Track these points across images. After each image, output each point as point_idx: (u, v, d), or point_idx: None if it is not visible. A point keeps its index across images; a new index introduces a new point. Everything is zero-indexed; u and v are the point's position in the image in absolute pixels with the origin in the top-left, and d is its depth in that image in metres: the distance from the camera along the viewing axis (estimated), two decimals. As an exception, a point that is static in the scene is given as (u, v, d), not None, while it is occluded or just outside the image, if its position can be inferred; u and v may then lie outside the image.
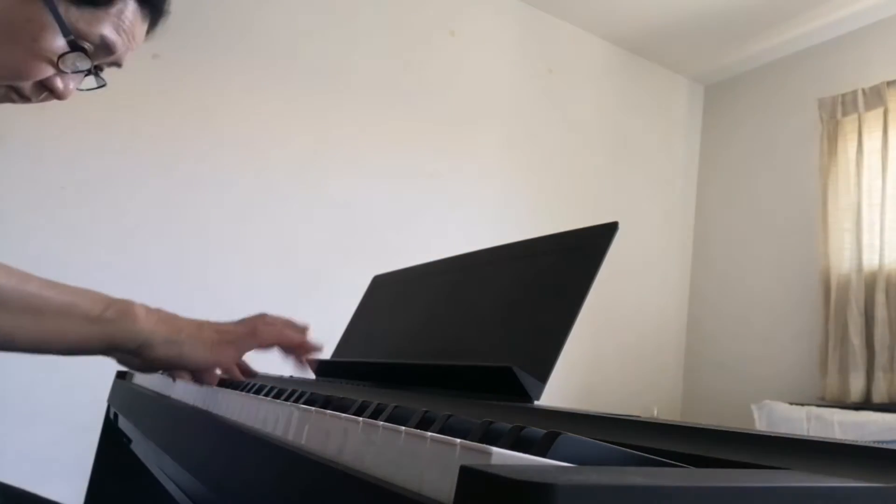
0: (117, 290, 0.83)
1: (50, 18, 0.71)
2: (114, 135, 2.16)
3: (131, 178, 2.19)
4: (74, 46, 0.73)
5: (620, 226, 0.69)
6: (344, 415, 0.41)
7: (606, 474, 0.24)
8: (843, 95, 2.97)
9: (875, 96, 2.87)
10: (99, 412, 1.35)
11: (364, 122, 2.65)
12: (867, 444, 0.33)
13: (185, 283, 2.21)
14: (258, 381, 0.80)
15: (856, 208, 2.85)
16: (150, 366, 0.70)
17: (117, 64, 0.81)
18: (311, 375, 0.74)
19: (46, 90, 0.77)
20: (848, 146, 2.92)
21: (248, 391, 0.73)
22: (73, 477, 1.43)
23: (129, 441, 1.07)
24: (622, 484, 0.22)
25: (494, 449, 0.27)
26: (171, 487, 0.75)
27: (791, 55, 3.33)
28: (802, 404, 2.66)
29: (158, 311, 0.69)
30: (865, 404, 2.65)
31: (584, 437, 0.31)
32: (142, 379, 1.10)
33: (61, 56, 0.73)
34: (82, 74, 0.78)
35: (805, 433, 2.42)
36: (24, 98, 0.77)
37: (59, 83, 0.76)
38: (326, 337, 1.21)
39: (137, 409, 0.99)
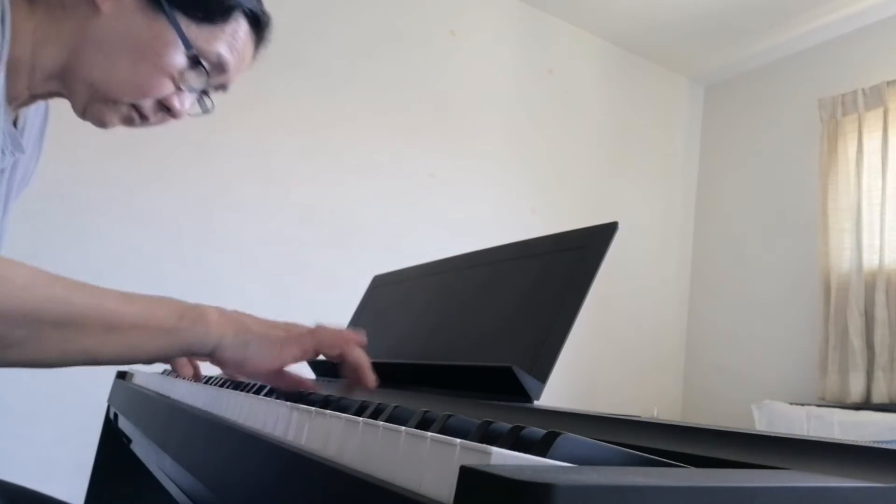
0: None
1: (174, 35, 0.75)
2: (113, 135, 2.16)
3: (131, 179, 2.19)
4: (195, 61, 0.77)
5: (620, 226, 0.69)
6: (344, 415, 0.41)
7: (606, 474, 0.23)
8: (843, 95, 2.97)
9: (875, 96, 2.87)
10: (99, 412, 1.35)
11: (364, 122, 2.65)
12: (867, 444, 0.33)
13: (186, 283, 2.21)
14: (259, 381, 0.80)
15: (856, 208, 2.85)
16: (224, 367, 0.69)
17: (224, 87, 0.84)
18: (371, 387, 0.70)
19: (164, 109, 0.80)
20: (848, 146, 2.92)
21: (248, 391, 0.73)
22: (73, 477, 1.43)
23: (129, 441, 1.07)
24: (622, 484, 0.22)
25: (494, 449, 0.27)
26: (171, 487, 0.75)
27: (791, 55, 3.33)
28: (802, 404, 2.66)
29: (230, 313, 0.68)
30: (865, 404, 2.65)
31: (584, 437, 0.30)
32: (142, 379, 1.10)
33: (182, 72, 0.77)
34: (196, 94, 0.81)
35: (805, 433, 2.42)
36: (143, 118, 0.80)
37: (176, 101, 0.80)
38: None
39: (137, 409, 0.99)
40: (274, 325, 0.68)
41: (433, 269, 0.99)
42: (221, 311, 0.67)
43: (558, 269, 0.72)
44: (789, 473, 0.29)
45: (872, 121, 2.88)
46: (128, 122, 0.80)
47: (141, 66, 0.75)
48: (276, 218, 2.43)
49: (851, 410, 2.55)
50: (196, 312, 0.66)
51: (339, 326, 0.73)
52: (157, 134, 2.22)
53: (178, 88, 0.78)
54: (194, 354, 0.67)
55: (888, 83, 2.83)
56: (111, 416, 1.27)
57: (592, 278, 0.67)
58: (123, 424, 1.10)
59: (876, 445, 0.32)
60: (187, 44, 0.76)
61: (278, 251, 2.41)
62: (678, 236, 3.58)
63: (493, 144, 2.98)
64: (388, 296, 1.09)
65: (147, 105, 0.79)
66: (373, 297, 1.14)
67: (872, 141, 2.87)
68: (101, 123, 0.80)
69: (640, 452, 0.32)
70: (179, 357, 0.68)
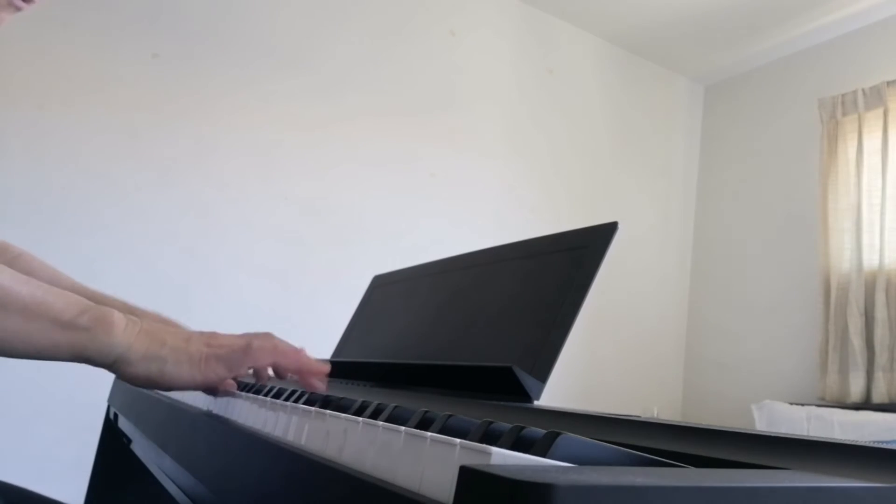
0: (117, 292, 0.83)
1: None
2: (113, 133, 2.16)
3: (131, 178, 2.19)
4: None
5: (620, 226, 0.69)
6: (344, 415, 0.41)
7: (606, 474, 0.23)
8: (843, 95, 2.97)
9: (875, 96, 2.87)
10: (99, 412, 1.35)
11: (364, 122, 2.65)
12: (867, 444, 0.33)
13: (186, 283, 2.21)
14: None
15: (856, 208, 2.85)
16: (130, 382, 0.62)
17: None
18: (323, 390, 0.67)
19: None
20: (848, 146, 2.92)
21: (248, 392, 0.73)
22: (73, 477, 1.43)
23: (129, 441, 1.07)
24: (622, 484, 0.22)
25: (494, 449, 0.27)
26: (171, 487, 0.75)
27: (791, 55, 3.33)
28: (802, 404, 2.66)
29: (142, 322, 0.61)
30: (865, 404, 2.65)
31: (584, 437, 0.30)
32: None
33: None
34: None
35: (805, 433, 2.42)
36: None
37: None
38: (326, 337, 1.22)
39: (137, 409, 0.99)
40: (191, 338, 0.63)
41: (433, 269, 0.99)
42: (131, 319, 0.61)
43: (558, 269, 0.72)
44: (789, 473, 0.29)
45: (872, 121, 2.88)
46: (12, 9, 0.74)
47: None
48: (276, 216, 2.43)
49: (851, 410, 2.55)
50: (99, 314, 0.58)
51: (290, 345, 0.67)
52: (157, 132, 2.22)
53: None
54: (89, 361, 0.59)
55: (888, 83, 2.83)
56: (111, 416, 1.27)
57: (592, 278, 0.67)
58: (123, 424, 1.10)
59: (876, 445, 0.32)
60: None
61: (278, 249, 2.41)
62: (678, 236, 3.58)
63: (493, 144, 2.98)
64: (387, 296, 1.09)
65: None
66: (373, 297, 1.14)
67: (872, 141, 2.87)
68: None
69: (640, 452, 0.32)
70: (71, 360, 0.58)
